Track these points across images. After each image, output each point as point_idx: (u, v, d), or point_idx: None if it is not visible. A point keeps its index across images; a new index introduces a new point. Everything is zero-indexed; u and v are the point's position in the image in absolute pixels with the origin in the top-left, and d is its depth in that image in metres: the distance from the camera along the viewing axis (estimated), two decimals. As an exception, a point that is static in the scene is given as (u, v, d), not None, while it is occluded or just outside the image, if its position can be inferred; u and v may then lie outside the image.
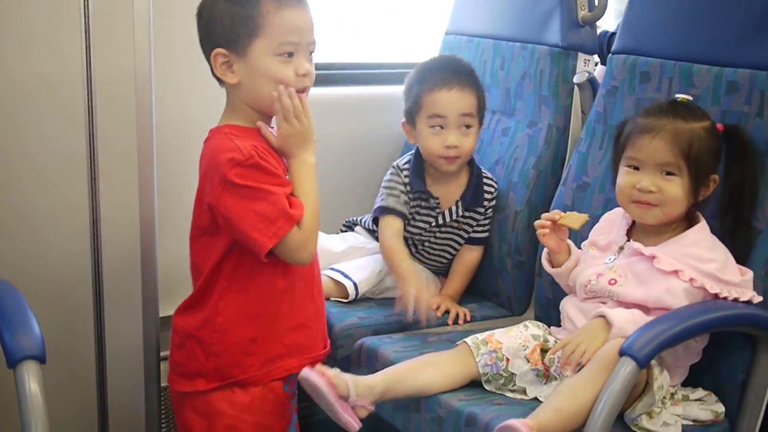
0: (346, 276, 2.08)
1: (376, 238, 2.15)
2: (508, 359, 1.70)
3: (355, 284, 2.06)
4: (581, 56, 2.17)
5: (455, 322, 2.03)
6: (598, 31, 2.43)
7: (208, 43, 1.60)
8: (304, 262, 1.62)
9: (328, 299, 2.03)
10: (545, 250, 1.84)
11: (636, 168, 1.67)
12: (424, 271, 2.17)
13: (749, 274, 1.62)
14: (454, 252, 2.18)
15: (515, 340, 1.73)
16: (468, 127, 2.08)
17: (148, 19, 1.81)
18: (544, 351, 1.72)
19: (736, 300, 1.59)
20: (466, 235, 2.17)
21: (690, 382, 1.66)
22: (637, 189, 1.65)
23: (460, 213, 2.13)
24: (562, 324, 1.80)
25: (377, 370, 1.70)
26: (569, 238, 1.82)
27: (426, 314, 1.92)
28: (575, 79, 2.13)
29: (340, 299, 2.07)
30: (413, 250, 2.16)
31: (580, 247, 1.84)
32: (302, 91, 1.60)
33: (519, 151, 2.17)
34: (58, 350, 1.68)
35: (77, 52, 1.79)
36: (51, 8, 1.76)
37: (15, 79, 1.77)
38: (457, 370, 1.69)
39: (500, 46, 2.30)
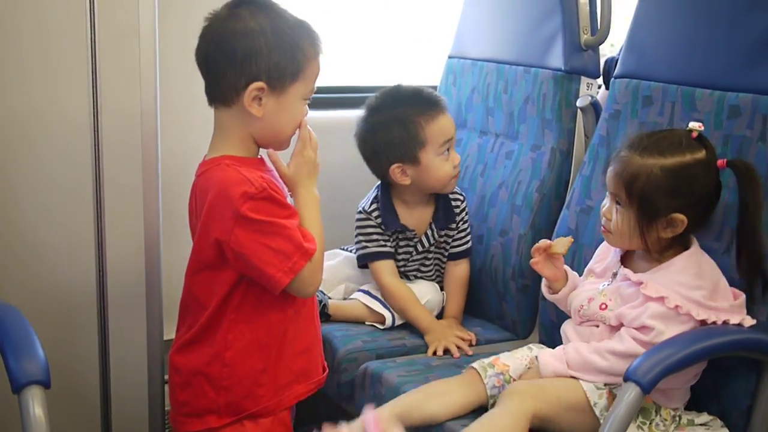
0: (384, 306, 2.09)
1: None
2: (515, 380, 1.70)
3: (393, 315, 2.08)
4: (584, 80, 2.18)
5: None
6: (605, 59, 2.44)
7: (240, 73, 1.54)
8: (309, 294, 1.64)
9: (362, 323, 2.08)
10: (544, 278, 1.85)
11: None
12: (430, 284, 2.17)
13: (741, 297, 1.61)
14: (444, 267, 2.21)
15: (521, 362, 1.75)
16: None
17: (154, 52, 1.84)
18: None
19: (726, 323, 1.58)
20: (446, 253, 2.18)
21: (695, 406, 1.66)
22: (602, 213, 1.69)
23: (436, 237, 2.15)
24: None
25: (382, 395, 1.69)
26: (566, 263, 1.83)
27: (456, 352, 1.98)
28: (578, 103, 2.14)
29: (375, 324, 2.09)
30: (412, 278, 2.18)
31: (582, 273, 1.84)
32: None
33: (522, 174, 2.18)
34: (63, 375, 1.68)
35: (84, 86, 1.82)
36: (59, 45, 1.79)
37: (24, 111, 1.79)
38: (466, 397, 1.69)
39: (503, 69, 2.31)
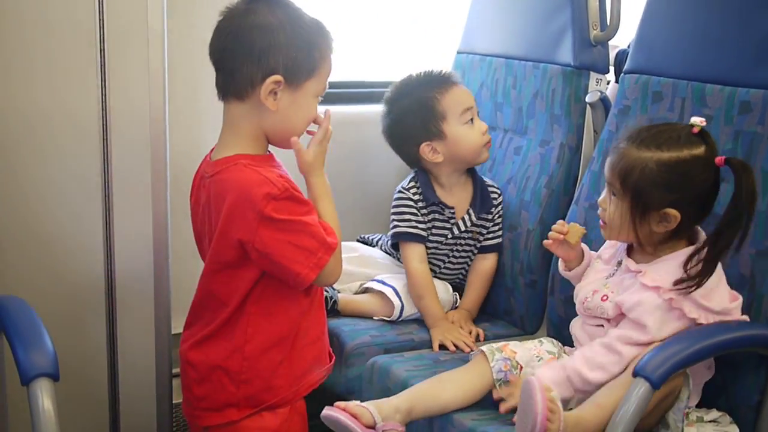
0: (396, 294, 2.08)
1: (398, 259, 2.17)
2: (521, 367, 1.71)
3: (402, 306, 2.08)
4: (593, 75, 2.17)
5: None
6: (617, 50, 2.43)
7: (258, 66, 1.55)
8: (332, 284, 1.70)
9: (371, 318, 2.08)
10: None
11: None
12: (442, 283, 2.17)
13: (738, 300, 1.60)
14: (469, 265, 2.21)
15: (530, 351, 1.75)
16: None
17: (162, 48, 1.84)
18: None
19: None
20: (479, 245, 2.18)
21: (704, 403, 1.65)
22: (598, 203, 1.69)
23: (474, 220, 2.14)
24: (574, 344, 1.80)
25: (390, 389, 1.70)
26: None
27: (465, 347, 1.98)
28: (587, 99, 2.13)
29: (384, 318, 2.09)
30: (436, 270, 2.17)
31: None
32: None
33: (531, 170, 2.17)
34: (71, 368, 1.68)
35: (92, 83, 1.82)
36: (68, 42, 1.80)
37: (33, 109, 1.80)
38: (475, 381, 1.70)
39: (512, 65, 2.31)
